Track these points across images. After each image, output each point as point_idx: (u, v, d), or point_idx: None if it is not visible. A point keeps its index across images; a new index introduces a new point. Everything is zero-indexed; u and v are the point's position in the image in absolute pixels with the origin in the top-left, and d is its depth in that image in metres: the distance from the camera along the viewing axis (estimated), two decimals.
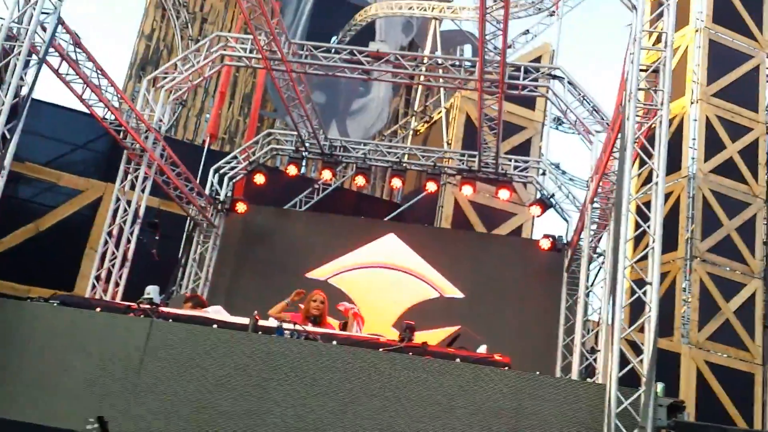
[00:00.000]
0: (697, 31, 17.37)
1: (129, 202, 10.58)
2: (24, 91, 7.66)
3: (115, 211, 10.54)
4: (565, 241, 12.52)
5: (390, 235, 13.23)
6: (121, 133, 10.46)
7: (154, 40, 18.41)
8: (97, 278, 10.23)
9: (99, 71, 9.46)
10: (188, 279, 12.53)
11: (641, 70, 7.78)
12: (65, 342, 7.01)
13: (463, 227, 15.10)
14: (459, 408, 6.58)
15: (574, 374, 10.36)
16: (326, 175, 13.41)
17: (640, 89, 7.87)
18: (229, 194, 13.26)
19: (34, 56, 7.82)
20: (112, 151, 12.87)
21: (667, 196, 16.51)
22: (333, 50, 11.27)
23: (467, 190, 13.08)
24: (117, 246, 10.39)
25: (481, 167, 12.89)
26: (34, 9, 7.71)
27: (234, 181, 13.44)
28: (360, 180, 13.12)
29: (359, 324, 8.13)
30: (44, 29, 7.91)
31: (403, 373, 6.77)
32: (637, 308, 7.45)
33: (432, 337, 9.05)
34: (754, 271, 15.94)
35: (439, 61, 11.72)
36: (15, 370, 6.93)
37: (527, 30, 19.49)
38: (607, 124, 10.12)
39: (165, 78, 11.23)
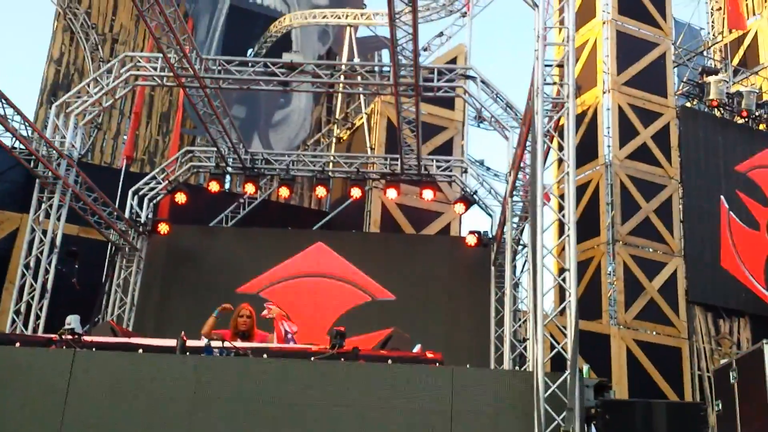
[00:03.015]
0: (604, 23, 17.93)
1: (45, 232, 10.29)
2: None
3: (31, 242, 10.25)
4: (490, 236, 12.75)
5: (318, 244, 13.23)
6: (33, 162, 10.18)
7: (63, 65, 17.94)
8: (17, 312, 9.92)
9: (3, 100, 9.19)
10: (113, 305, 12.24)
11: (546, 65, 8.00)
12: None
13: (391, 230, 15.20)
14: (396, 408, 6.64)
15: (507, 364, 10.55)
16: (249, 189, 13.30)
17: (548, 84, 8.08)
18: (150, 216, 13.02)
19: None
20: (27, 180, 12.48)
21: (587, 184, 16.99)
22: (249, 63, 11.21)
23: (392, 193, 13.19)
24: (35, 278, 10.10)
25: (404, 170, 13.01)
26: None
27: (154, 202, 13.20)
28: (284, 191, 13.08)
29: (287, 326, 8.05)
30: None
31: (338, 380, 6.80)
32: (563, 294, 7.65)
33: (365, 341, 9.08)
34: (674, 250, 16.53)
35: (356, 68, 11.79)
36: None
37: (441, 32, 19.81)
38: (521, 119, 10.37)
39: (75, 102, 10.97)
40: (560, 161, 7.91)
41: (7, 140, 9.69)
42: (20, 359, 6.94)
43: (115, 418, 6.65)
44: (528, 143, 8.92)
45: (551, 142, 8.16)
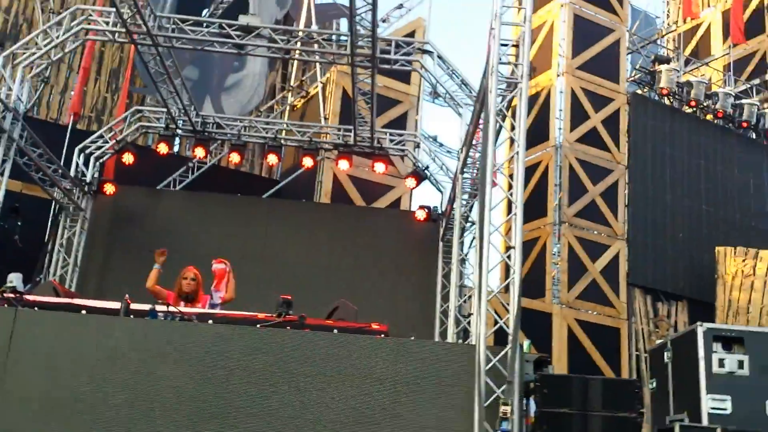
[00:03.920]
0: (561, 6, 18.06)
1: None
2: None
3: None
4: (440, 211, 12.86)
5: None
6: None
7: (12, 14, 17.32)
8: None
9: None
10: (56, 265, 12.01)
11: (502, 45, 8.04)
12: None
13: (342, 201, 15.20)
14: (340, 378, 6.70)
15: (451, 338, 10.72)
16: (199, 152, 13.12)
17: (503, 63, 8.12)
18: (97, 175, 12.76)
19: None
20: None
21: (537, 165, 17.21)
22: (203, 24, 10.99)
23: (343, 164, 13.17)
24: None
25: (357, 141, 12.98)
26: None
27: (101, 161, 12.93)
28: (235, 157, 12.94)
29: (227, 280, 8.03)
30: None
31: (283, 347, 6.83)
32: (509, 272, 7.78)
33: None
34: (618, 233, 16.91)
35: (313, 35, 11.67)
36: None
37: (401, 4, 19.72)
38: (475, 97, 10.42)
39: (23, 54, 10.63)
40: (512, 141, 7.99)
41: None
42: None
43: (56, 379, 6.57)
44: (481, 121, 8.99)
45: (503, 122, 8.24)
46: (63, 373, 6.60)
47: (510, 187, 7.77)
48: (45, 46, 10.62)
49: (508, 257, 7.35)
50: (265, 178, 17.71)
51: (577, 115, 17.44)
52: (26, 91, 10.73)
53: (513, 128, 7.93)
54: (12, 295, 6.92)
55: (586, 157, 17.18)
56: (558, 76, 17.71)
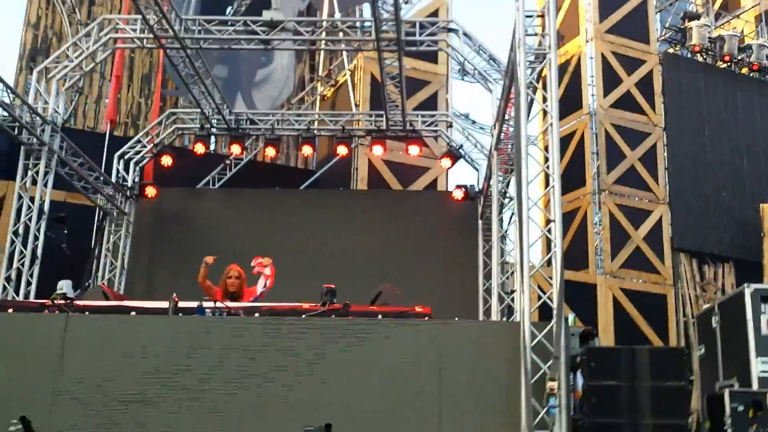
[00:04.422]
0: None
1: (33, 199, 10.28)
2: None
3: (19, 209, 10.23)
4: (477, 190, 12.83)
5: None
6: (17, 129, 10.11)
7: (41, 29, 17.65)
8: (8, 279, 9.97)
9: None
10: (104, 269, 12.31)
11: (527, 16, 7.97)
12: None
13: (379, 187, 15.24)
14: (387, 362, 6.77)
15: (495, 316, 10.72)
16: (235, 150, 13.28)
17: (529, 35, 8.06)
18: (137, 179, 13.02)
19: None
20: (9, 147, 12.39)
21: (572, 134, 17.02)
22: (229, 22, 11.08)
23: (378, 150, 13.20)
24: (24, 244, 10.12)
25: (390, 126, 12.99)
26: None
27: (140, 165, 13.18)
28: (270, 151, 13.05)
29: (267, 280, 8.15)
30: None
31: (329, 336, 6.92)
32: (551, 246, 7.75)
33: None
34: (659, 198, 16.67)
35: (337, 24, 11.68)
36: None
37: None
38: (504, 71, 10.34)
39: (56, 67, 10.86)
40: (544, 112, 7.94)
41: None
42: (14, 325, 7.03)
43: (110, 380, 6.76)
44: (512, 95, 8.93)
45: (534, 94, 8.19)
46: (115, 373, 6.77)
47: (546, 159, 7.72)
48: (76, 58, 10.83)
49: (549, 231, 7.31)
50: (301, 169, 17.82)
51: (610, 79, 17.18)
52: (62, 103, 10.97)
53: (545, 100, 7.88)
54: (63, 302, 7.11)
55: (621, 122, 16.95)
56: (587, 41, 17.46)
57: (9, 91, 9.76)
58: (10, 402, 6.53)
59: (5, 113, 9.94)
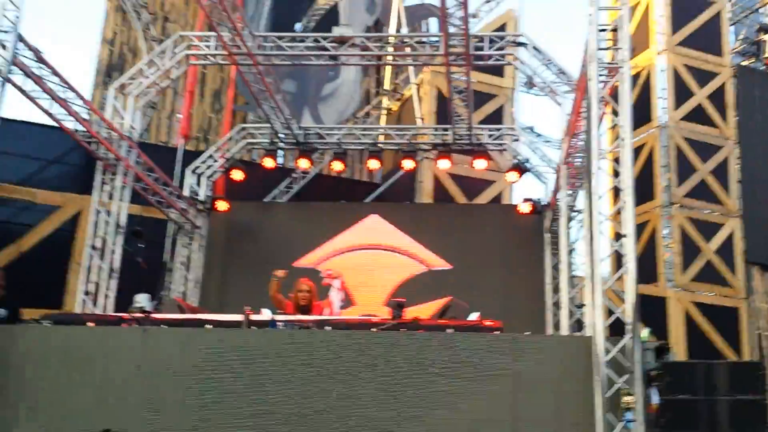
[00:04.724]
0: None
1: (109, 213, 10.57)
2: None
3: (96, 223, 10.50)
4: (544, 203, 12.70)
5: (372, 216, 13.36)
6: (93, 144, 10.45)
7: (117, 45, 18.28)
8: (86, 293, 10.22)
9: (65, 84, 9.44)
10: (177, 283, 12.59)
11: (600, 30, 7.89)
12: (62, 360, 7.08)
13: (443, 200, 15.25)
14: (458, 377, 6.73)
15: (564, 330, 10.57)
16: (303, 164, 13.47)
17: (601, 49, 7.97)
18: (209, 193, 13.31)
19: None
20: (87, 162, 12.84)
21: (641, 147, 16.74)
22: (299, 39, 11.27)
23: (444, 164, 13.20)
24: (102, 258, 10.39)
25: (455, 140, 12.99)
26: None
27: (212, 179, 13.48)
28: (337, 165, 13.19)
29: (344, 290, 8.23)
30: (4, 47, 7.90)
31: (398, 349, 6.92)
32: (620, 259, 7.63)
33: (422, 311, 9.21)
34: (731, 211, 16.25)
35: (405, 39, 11.76)
36: (14, 394, 6.98)
37: None
38: (574, 85, 10.25)
39: (132, 83, 11.20)
40: (614, 125, 7.83)
41: (68, 124, 9.93)
42: (94, 338, 7.23)
43: (188, 392, 6.89)
44: (582, 109, 8.84)
45: (606, 108, 8.07)
46: (192, 385, 6.91)
47: (616, 173, 7.61)
48: (152, 74, 11.14)
49: (621, 246, 7.19)
50: (367, 182, 17.95)
51: (681, 92, 16.87)
52: (138, 118, 11.27)
53: (615, 113, 7.77)
54: (140, 315, 7.29)
55: (692, 135, 16.60)
56: (658, 54, 17.17)
57: (87, 107, 10.09)
58: (93, 414, 6.72)
59: (83, 129, 10.27)
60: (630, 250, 7.07)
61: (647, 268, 15.46)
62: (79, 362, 7.01)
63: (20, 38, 8.10)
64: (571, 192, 10.92)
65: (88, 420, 6.68)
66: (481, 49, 10.74)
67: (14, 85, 8.51)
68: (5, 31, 7.86)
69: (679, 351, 14.45)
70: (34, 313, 7.95)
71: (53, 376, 6.99)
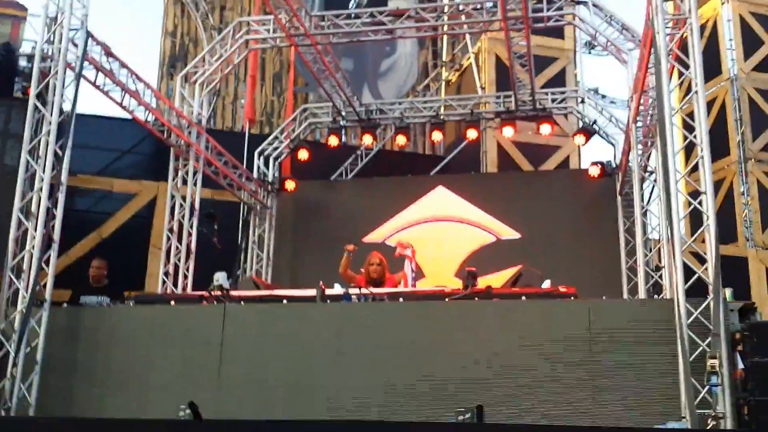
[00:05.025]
0: None
1: (183, 198, 10.89)
2: (67, 108, 7.92)
3: (172, 208, 10.85)
4: (614, 165, 12.45)
5: (439, 188, 13.34)
6: (164, 133, 10.74)
7: (178, 36, 18.67)
8: (166, 274, 10.61)
9: (134, 76, 9.72)
10: (251, 262, 12.91)
11: None
12: (146, 338, 7.36)
13: (509, 168, 15.10)
14: (535, 344, 6.72)
15: (641, 294, 10.38)
16: (367, 140, 13.53)
17: (665, 0, 7.73)
18: (277, 174, 13.56)
19: (70, 72, 8.06)
20: (158, 150, 13.18)
21: (712, 102, 16.19)
22: (354, 15, 11.28)
23: (508, 131, 13.05)
24: (179, 241, 10.74)
25: (519, 106, 12.81)
26: (63, 28, 7.94)
27: (279, 160, 13.71)
28: (401, 139, 13.18)
29: (412, 263, 8.29)
30: (75, 45, 8.15)
31: (474, 318, 6.95)
32: (696, 219, 7.45)
33: (494, 280, 9.21)
34: None
35: (460, 7, 11.62)
36: (102, 372, 7.30)
37: None
38: (639, 40, 9.97)
39: (196, 72, 11.44)
40: (683, 80, 7.61)
41: (139, 115, 10.24)
42: (177, 316, 7.50)
43: (268, 366, 7.08)
44: (649, 65, 8.60)
45: (674, 60, 7.82)
46: (271, 359, 7.08)
47: (689, 128, 7.40)
48: (215, 62, 11.36)
49: (699, 203, 7.00)
50: (430, 155, 17.93)
51: (750, 42, 16.22)
52: (204, 105, 11.53)
53: (686, 65, 7.54)
54: (220, 293, 7.51)
55: (765, 85, 15.95)
56: (723, 3, 16.54)
57: (156, 97, 10.37)
58: (178, 388, 6.97)
59: (153, 118, 10.56)
60: (710, 206, 6.88)
61: (725, 228, 14.98)
62: (161, 340, 7.28)
63: (89, 35, 8.34)
64: (642, 152, 10.67)
65: (168, 394, 6.93)
66: (539, 10, 10.53)
67: (87, 80, 8.79)
68: (75, 29, 8.09)
69: (762, 312, 14.00)
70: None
71: (137, 354, 7.27)
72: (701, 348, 6.38)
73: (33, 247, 7.33)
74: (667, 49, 7.40)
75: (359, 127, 13.63)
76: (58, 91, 7.77)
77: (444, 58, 18.94)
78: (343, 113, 13.26)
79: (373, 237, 12.94)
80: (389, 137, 14.66)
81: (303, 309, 7.36)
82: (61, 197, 7.61)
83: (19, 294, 7.23)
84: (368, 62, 18.38)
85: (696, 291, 6.81)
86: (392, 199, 13.34)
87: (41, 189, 7.51)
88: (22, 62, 12.58)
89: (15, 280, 7.31)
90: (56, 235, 7.54)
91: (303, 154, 13.34)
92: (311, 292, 7.45)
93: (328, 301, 7.37)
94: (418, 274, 8.47)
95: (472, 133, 13.23)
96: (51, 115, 7.71)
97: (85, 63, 8.28)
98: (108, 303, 7.82)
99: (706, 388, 6.22)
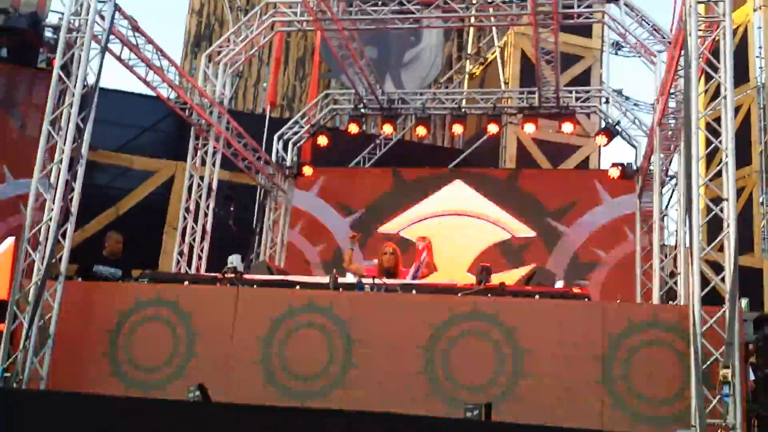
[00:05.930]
0: None
1: (201, 178, 10.87)
2: (91, 81, 7.90)
3: (190, 187, 10.82)
4: (635, 168, 12.33)
5: (456, 182, 13.27)
6: (186, 111, 10.72)
7: (204, 16, 18.67)
8: (180, 253, 10.60)
9: (159, 53, 9.69)
10: (265, 245, 12.90)
11: None
12: (159, 317, 7.36)
13: (528, 165, 15.00)
14: (547, 344, 6.66)
15: (655, 299, 10.29)
16: (387, 129, 13.47)
17: (699, 2, 7.61)
18: (295, 159, 13.53)
19: (95, 45, 8.03)
20: (179, 129, 13.20)
21: (737, 109, 15.99)
22: (381, 2, 11.20)
23: (529, 128, 12.95)
24: (195, 221, 10.73)
25: (542, 103, 12.71)
26: (90, 0, 7.93)
27: (298, 145, 13.68)
28: (421, 130, 13.11)
29: (429, 254, 8.27)
30: (102, 18, 8.13)
31: (485, 314, 6.89)
32: (714, 227, 7.35)
33: (508, 277, 9.13)
34: None
35: None
36: (112, 348, 7.32)
37: None
38: (669, 42, 9.83)
39: (221, 52, 11.41)
40: (711, 84, 7.49)
41: (163, 91, 10.20)
42: (190, 296, 7.48)
43: (278, 351, 7.06)
44: (678, 68, 8.48)
45: (703, 64, 7.70)
46: (282, 345, 7.05)
47: (714, 134, 7.29)
48: (240, 42, 11.33)
49: (720, 210, 6.91)
50: (449, 148, 17.86)
51: None
52: (228, 86, 11.50)
53: (715, 69, 7.41)
54: (233, 275, 7.50)
55: None
56: (755, 10, 16.31)
57: (180, 75, 10.34)
58: (190, 369, 6.98)
59: (176, 96, 10.54)
60: (731, 214, 6.78)
61: (743, 238, 14.80)
62: (173, 318, 7.27)
63: (117, 8, 8.32)
64: (664, 155, 10.55)
65: (179, 376, 6.94)
66: (569, 7, 10.41)
67: (113, 54, 8.77)
68: (103, 2, 8.07)
69: None
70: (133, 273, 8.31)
71: (149, 333, 7.27)
72: (714, 357, 6.30)
73: (51, 219, 7.33)
74: (698, 52, 7.28)
75: (380, 116, 13.57)
76: (83, 63, 7.73)
77: (469, 51, 18.81)
78: (365, 101, 13.19)
79: (389, 227, 12.90)
80: (409, 128, 14.59)
81: (316, 296, 7.32)
82: (80, 170, 7.60)
83: (34, 266, 7.24)
84: (392, 52, 18.28)
85: (710, 300, 6.73)
86: (409, 189, 13.28)
87: (61, 161, 7.50)
88: (48, 33, 12.60)
89: (31, 251, 7.31)
90: (74, 208, 7.54)
91: (322, 140, 13.28)
92: (324, 279, 7.43)
93: (341, 289, 7.34)
94: (430, 267, 8.41)
95: (493, 128, 13.14)
96: (74, 87, 7.70)
97: (111, 36, 8.25)
98: (119, 278, 7.82)
99: (717, 397, 6.15)
